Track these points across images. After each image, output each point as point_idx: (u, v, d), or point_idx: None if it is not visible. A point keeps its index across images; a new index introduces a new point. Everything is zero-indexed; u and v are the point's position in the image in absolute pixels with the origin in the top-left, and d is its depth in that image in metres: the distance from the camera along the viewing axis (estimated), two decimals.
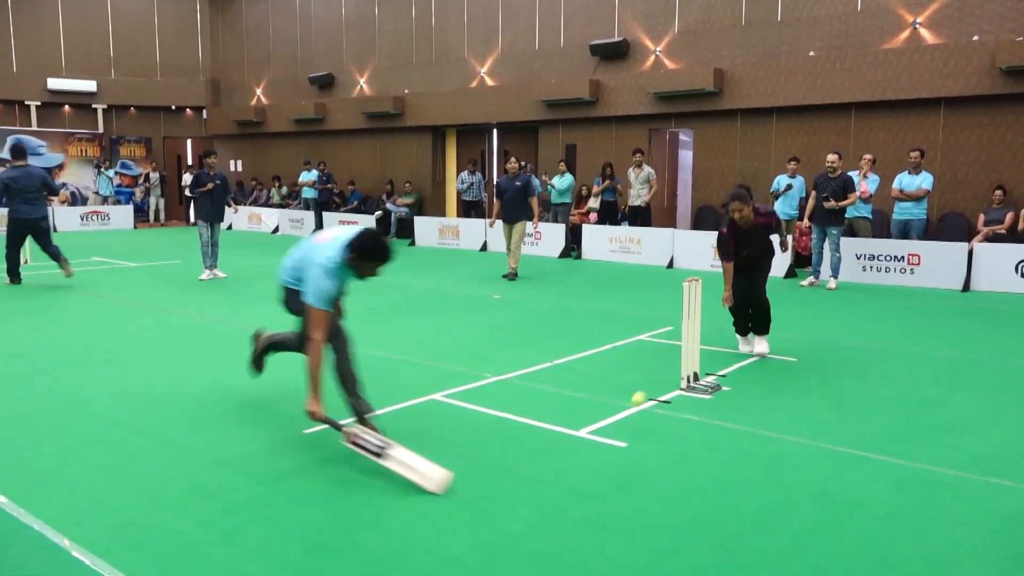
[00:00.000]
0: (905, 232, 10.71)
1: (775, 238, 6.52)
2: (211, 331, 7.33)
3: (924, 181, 10.61)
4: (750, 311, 6.38)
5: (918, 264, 10.34)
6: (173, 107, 22.55)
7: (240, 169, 22.59)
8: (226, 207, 11.05)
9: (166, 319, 7.91)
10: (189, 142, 23.11)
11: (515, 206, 10.83)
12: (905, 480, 3.78)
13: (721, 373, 5.68)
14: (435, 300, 9.22)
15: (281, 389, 5.27)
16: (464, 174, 16.25)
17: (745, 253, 6.26)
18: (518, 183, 10.84)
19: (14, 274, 10.13)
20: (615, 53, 14.82)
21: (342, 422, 4.02)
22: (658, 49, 14.50)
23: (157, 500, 3.49)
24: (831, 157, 10.11)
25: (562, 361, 6.08)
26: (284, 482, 3.71)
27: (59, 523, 3.22)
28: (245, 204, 20.59)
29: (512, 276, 10.68)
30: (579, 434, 4.39)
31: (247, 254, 13.95)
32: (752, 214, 6.08)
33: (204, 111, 22.88)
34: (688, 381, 5.28)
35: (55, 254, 10.11)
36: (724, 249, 6.24)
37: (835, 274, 10.17)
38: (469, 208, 16.29)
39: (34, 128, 20.31)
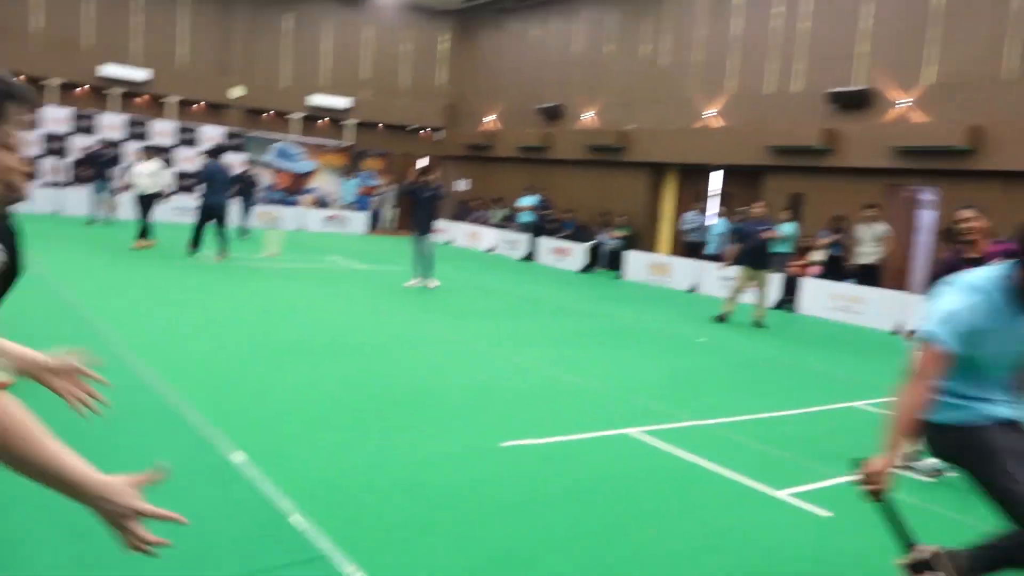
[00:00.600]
0: None
1: None
2: (428, 335, 7.82)
3: None
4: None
5: None
6: (412, 127, 24.35)
7: (467, 188, 23.91)
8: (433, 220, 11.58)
9: (390, 319, 8.55)
10: (424, 159, 24.78)
11: (759, 252, 10.52)
12: None
13: None
14: (638, 334, 9.17)
15: (478, 393, 5.51)
16: (692, 214, 16.18)
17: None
18: (761, 228, 10.44)
19: (197, 244, 12.01)
20: (856, 102, 14.03)
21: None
22: (905, 100, 13.55)
23: (367, 487, 3.79)
24: None
25: (765, 416, 5.82)
26: (479, 489, 3.87)
27: (290, 490, 3.59)
28: (467, 222, 21.74)
29: (722, 318, 10.35)
30: (778, 494, 4.18)
31: (458, 268, 14.70)
32: (986, 235, 4.64)
33: (439, 132, 24.50)
34: (908, 460, 4.85)
35: (223, 238, 11.99)
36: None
37: None
38: (692, 249, 16.13)
39: (295, 137, 22.77)
